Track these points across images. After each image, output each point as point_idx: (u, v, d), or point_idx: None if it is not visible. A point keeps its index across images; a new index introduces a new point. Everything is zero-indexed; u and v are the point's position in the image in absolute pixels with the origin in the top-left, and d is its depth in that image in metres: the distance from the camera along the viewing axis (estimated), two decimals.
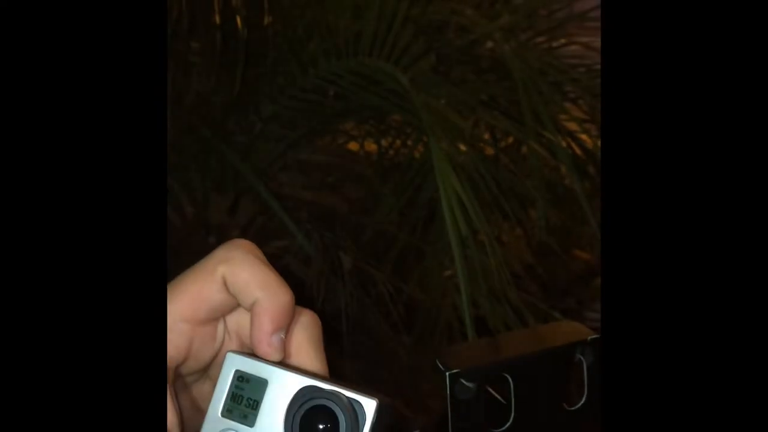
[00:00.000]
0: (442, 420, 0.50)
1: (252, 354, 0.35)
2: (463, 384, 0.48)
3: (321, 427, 0.32)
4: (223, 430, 0.33)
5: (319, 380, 0.33)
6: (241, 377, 0.34)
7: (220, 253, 0.35)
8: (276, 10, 1.16)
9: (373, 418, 0.32)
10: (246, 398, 0.33)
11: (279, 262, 1.42)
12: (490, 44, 1.27)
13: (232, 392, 0.34)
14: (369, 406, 0.33)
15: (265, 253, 0.35)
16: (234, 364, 0.34)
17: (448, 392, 0.48)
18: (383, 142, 1.42)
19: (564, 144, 1.19)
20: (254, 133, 1.32)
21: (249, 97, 1.29)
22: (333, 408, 0.32)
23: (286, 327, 0.34)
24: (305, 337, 0.36)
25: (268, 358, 0.34)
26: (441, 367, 0.49)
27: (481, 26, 1.22)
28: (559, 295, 1.41)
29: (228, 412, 0.34)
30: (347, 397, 0.32)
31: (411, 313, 1.27)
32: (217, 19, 1.08)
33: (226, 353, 0.35)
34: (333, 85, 1.18)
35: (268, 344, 0.34)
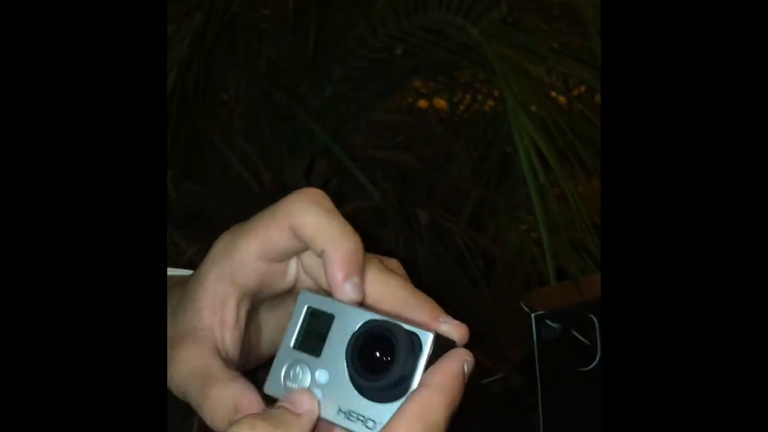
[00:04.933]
0: (526, 362, 0.51)
1: (327, 292, 0.36)
2: (549, 325, 0.48)
3: (379, 356, 0.34)
4: (293, 360, 0.36)
5: (382, 315, 0.35)
6: (312, 313, 0.36)
7: (288, 203, 0.37)
8: None
9: (430, 350, 0.34)
10: (315, 331, 0.36)
11: (356, 221, 1.43)
12: None
13: (304, 327, 0.36)
14: (426, 338, 0.34)
15: (342, 214, 0.37)
16: (306, 300, 0.36)
17: (534, 333, 0.49)
18: (453, 98, 1.41)
19: None
20: (326, 95, 1.34)
21: (320, 61, 1.30)
22: (392, 339, 0.34)
23: (358, 273, 0.36)
24: (388, 279, 0.36)
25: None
26: (526, 309, 0.50)
27: None
28: None
29: (299, 345, 0.36)
30: (405, 330, 0.34)
31: (489, 266, 1.28)
32: None
33: (300, 290, 0.37)
34: (402, 43, 1.18)
35: (342, 293, 0.35)
